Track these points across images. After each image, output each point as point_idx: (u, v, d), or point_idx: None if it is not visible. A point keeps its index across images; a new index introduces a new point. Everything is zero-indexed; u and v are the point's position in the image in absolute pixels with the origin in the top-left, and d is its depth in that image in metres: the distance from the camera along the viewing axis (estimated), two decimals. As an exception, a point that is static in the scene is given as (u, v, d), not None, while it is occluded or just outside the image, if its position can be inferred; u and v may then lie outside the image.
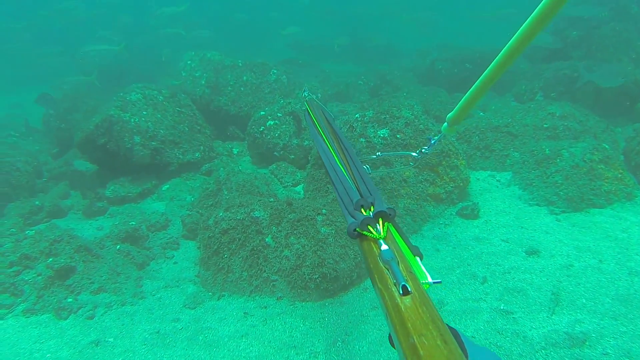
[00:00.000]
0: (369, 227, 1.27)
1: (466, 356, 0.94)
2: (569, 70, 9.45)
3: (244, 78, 9.64)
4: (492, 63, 1.60)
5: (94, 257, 5.34)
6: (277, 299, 4.81)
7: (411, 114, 6.44)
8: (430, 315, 0.90)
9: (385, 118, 6.37)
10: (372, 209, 1.39)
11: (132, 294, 5.06)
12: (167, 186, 7.67)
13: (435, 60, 13.64)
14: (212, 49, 10.56)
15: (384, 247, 1.18)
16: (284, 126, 7.98)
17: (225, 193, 6.49)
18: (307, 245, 4.83)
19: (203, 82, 9.70)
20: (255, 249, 4.93)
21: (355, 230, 1.30)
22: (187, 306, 4.86)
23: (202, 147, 8.34)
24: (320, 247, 4.83)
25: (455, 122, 2.02)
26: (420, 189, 6.12)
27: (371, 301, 4.70)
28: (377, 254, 1.18)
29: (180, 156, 7.98)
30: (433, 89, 12.07)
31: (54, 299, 4.84)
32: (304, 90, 3.44)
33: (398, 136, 6.22)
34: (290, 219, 5.05)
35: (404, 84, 13.52)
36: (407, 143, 6.16)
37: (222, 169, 8.01)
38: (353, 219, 1.35)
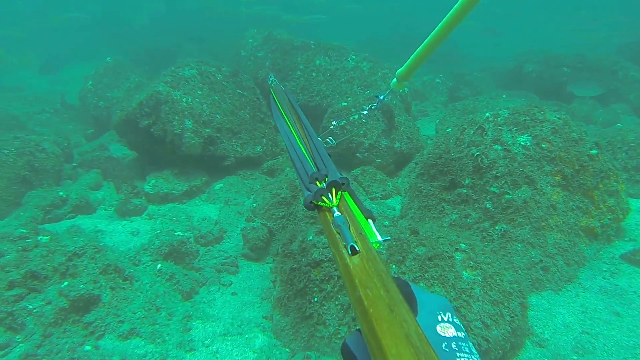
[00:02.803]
0: (323, 197, 1.28)
1: (415, 302, 1.05)
2: None
3: (317, 62, 8.07)
4: (442, 21, 1.61)
5: (125, 280, 3.82)
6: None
7: (558, 118, 4.75)
8: (376, 270, 0.96)
9: (525, 120, 4.70)
10: (326, 181, 1.40)
11: (176, 343, 3.50)
12: (221, 185, 6.14)
13: (523, 62, 11.88)
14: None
15: (337, 213, 1.19)
16: (371, 122, 6.36)
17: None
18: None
19: (267, 64, 8.17)
20: (362, 296, 3.31)
21: (311, 202, 1.30)
22: (256, 371, 3.30)
23: (264, 140, 6.79)
24: (464, 303, 3.19)
25: (405, 79, 2.07)
26: (572, 220, 4.43)
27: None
28: (331, 221, 1.19)
29: (239, 149, 6.45)
30: (522, 94, 10.40)
31: (66, 342, 3.32)
32: (270, 77, 3.20)
33: (543, 145, 4.53)
34: (419, 254, 3.43)
35: (484, 87, 11.89)
36: (557, 157, 4.48)
37: (288, 168, 6.46)
38: (309, 192, 1.34)
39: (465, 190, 4.66)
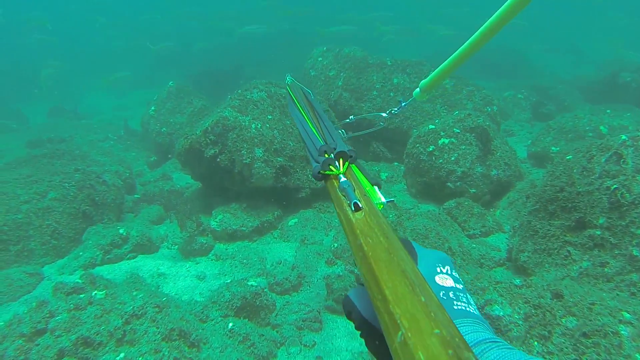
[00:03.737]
0: (330, 166, 1.29)
1: (416, 256, 1.06)
2: None
3: (394, 81, 7.33)
4: (471, 37, 1.62)
5: (192, 347, 3.16)
6: None
7: None
8: (377, 222, 0.94)
9: (676, 143, 3.77)
10: (334, 152, 1.42)
11: None
12: (295, 220, 5.46)
13: (617, 71, 10.66)
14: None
15: (343, 179, 1.20)
16: (464, 147, 5.53)
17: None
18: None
19: (339, 84, 7.51)
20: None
21: (319, 172, 1.30)
22: None
23: (340, 168, 6.08)
24: (649, 405, 2.31)
25: (428, 90, 2.05)
26: None
27: None
28: (337, 186, 1.21)
29: (314, 179, 5.76)
30: (626, 108, 9.22)
31: None
32: (287, 77, 2.73)
33: None
34: (569, 328, 2.58)
35: (571, 102, 10.80)
36: None
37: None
38: (317, 164, 1.35)
39: (599, 232, 3.76)
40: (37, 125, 12.74)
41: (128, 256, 5.14)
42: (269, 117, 5.72)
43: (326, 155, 1.37)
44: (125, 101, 16.47)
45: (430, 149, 5.61)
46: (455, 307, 0.94)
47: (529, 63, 16.64)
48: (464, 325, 0.89)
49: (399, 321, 0.64)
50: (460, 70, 7.54)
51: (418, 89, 2.10)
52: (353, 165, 1.38)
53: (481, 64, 14.42)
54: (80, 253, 5.05)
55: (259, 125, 5.53)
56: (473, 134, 5.60)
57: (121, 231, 5.17)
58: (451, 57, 1.81)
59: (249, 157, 5.30)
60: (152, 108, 8.81)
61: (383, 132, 6.93)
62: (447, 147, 5.55)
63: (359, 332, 0.93)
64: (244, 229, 5.30)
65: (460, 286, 1.01)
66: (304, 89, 2.33)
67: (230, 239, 5.33)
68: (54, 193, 5.48)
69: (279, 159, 5.52)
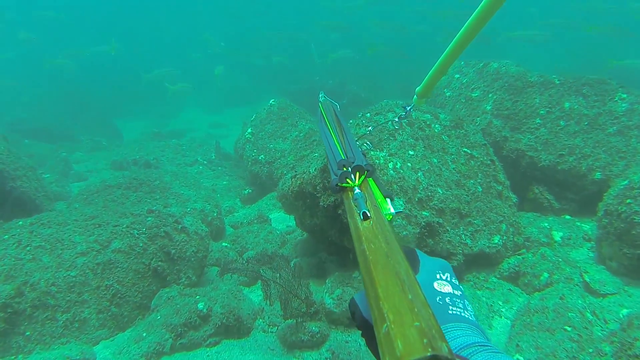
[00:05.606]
0: (347, 179, 1.39)
1: (418, 263, 1.11)
2: None
3: (566, 105, 5.43)
4: (453, 41, 1.70)
5: None
6: None
7: None
8: (382, 230, 0.99)
9: None
10: (352, 166, 1.52)
11: None
12: (444, 305, 3.71)
13: None
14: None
15: (357, 191, 1.29)
16: None
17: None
18: None
19: (488, 108, 5.72)
20: None
21: (337, 185, 1.40)
22: None
23: (504, 226, 4.30)
24: None
25: (424, 95, 2.20)
26: None
27: None
28: (351, 197, 1.29)
29: (468, 241, 4.03)
30: None
31: None
32: (320, 94, 2.86)
33: None
34: None
35: None
36: None
37: (545, 273, 3.94)
38: (336, 177, 1.46)
39: None
40: (126, 143, 11.98)
41: (208, 342, 3.65)
42: (410, 152, 4.05)
43: (344, 169, 1.47)
44: (222, 117, 15.60)
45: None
46: (450, 312, 0.96)
47: None
48: (457, 329, 0.92)
49: (385, 315, 0.69)
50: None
51: (415, 96, 2.29)
52: (370, 178, 1.44)
53: None
54: (144, 334, 3.61)
55: (398, 164, 3.88)
56: None
57: (200, 306, 3.68)
58: (437, 63, 1.93)
59: (383, 210, 3.65)
60: (249, 130, 7.44)
61: (549, 173, 5.08)
62: None
63: (360, 332, 0.97)
64: (372, 314, 3.63)
65: (458, 292, 1.03)
66: (333, 103, 2.43)
67: (353, 325, 3.71)
68: (119, 242, 4.13)
69: (424, 212, 3.83)
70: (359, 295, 1.01)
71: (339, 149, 1.74)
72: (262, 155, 6.95)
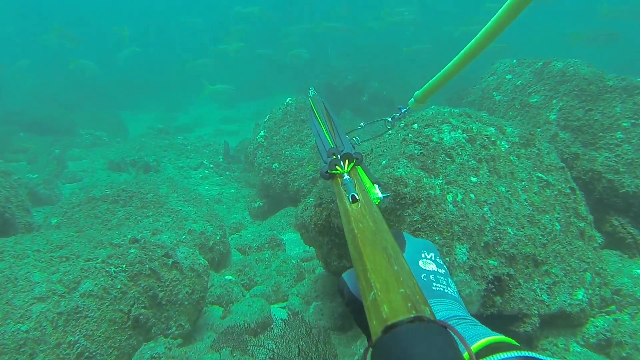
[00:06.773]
0: (337, 166, 1.42)
1: (404, 243, 1.12)
2: None
3: (655, 116, 4.40)
4: (462, 51, 1.69)
5: None
6: None
7: None
8: (370, 211, 1.03)
9: None
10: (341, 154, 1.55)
11: None
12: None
13: None
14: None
15: (346, 177, 1.34)
16: None
17: None
18: None
19: (552, 117, 4.70)
20: None
21: (327, 172, 1.43)
22: None
23: (588, 276, 3.30)
24: None
25: (421, 100, 2.19)
26: None
27: None
28: (340, 183, 1.33)
29: (545, 297, 3.06)
30: None
31: None
32: (311, 90, 2.71)
33: None
34: None
35: None
36: None
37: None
38: (325, 164, 1.49)
39: None
40: (129, 139, 11.09)
41: None
42: (473, 179, 3.07)
43: (334, 157, 1.50)
44: (235, 112, 14.63)
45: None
46: (434, 288, 0.98)
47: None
48: (440, 304, 0.93)
49: (373, 284, 0.72)
50: None
51: (412, 99, 2.28)
52: (359, 166, 1.50)
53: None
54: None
55: (459, 195, 2.90)
56: None
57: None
58: (444, 68, 1.89)
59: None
60: (261, 133, 6.45)
61: (634, 202, 4.08)
62: None
63: (348, 309, 0.98)
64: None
65: (442, 271, 1.05)
66: (325, 102, 2.31)
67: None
68: (91, 283, 3.19)
69: (491, 262, 2.85)
70: (347, 274, 1.03)
71: (328, 138, 1.78)
72: (276, 164, 5.98)
